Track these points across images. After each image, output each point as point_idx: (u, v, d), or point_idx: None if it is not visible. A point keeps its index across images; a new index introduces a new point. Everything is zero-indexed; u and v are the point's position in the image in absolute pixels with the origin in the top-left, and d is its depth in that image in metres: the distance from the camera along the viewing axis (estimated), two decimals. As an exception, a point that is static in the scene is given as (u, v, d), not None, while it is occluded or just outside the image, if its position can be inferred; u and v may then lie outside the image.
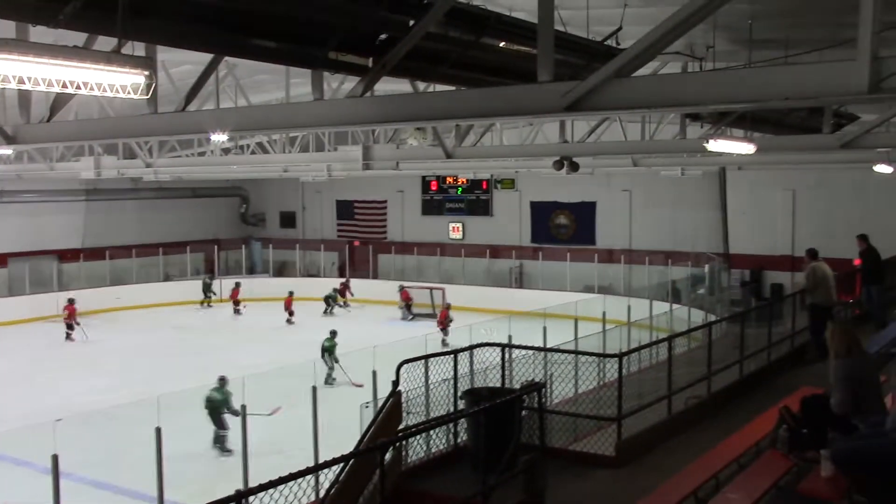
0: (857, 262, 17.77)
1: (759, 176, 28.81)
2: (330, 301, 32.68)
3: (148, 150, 23.13)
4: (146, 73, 5.62)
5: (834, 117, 14.77)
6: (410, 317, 31.98)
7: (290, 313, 30.87)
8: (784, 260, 29.47)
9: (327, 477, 7.33)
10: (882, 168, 20.29)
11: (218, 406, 14.98)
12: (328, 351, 20.90)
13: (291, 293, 31.69)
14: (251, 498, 5.40)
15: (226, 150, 24.31)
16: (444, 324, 26.05)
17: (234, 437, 11.76)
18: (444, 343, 22.07)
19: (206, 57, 8.32)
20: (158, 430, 10.44)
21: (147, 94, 5.74)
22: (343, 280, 35.03)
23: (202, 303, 34.63)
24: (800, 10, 10.72)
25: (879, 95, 4.64)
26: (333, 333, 21.39)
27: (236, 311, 33.06)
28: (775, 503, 6.76)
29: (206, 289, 34.76)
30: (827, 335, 7.02)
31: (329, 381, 19.94)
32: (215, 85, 14.27)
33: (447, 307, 27.66)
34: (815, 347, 13.41)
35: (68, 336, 27.45)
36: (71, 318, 27.66)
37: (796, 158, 20.75)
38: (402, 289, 32.94)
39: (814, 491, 6.18)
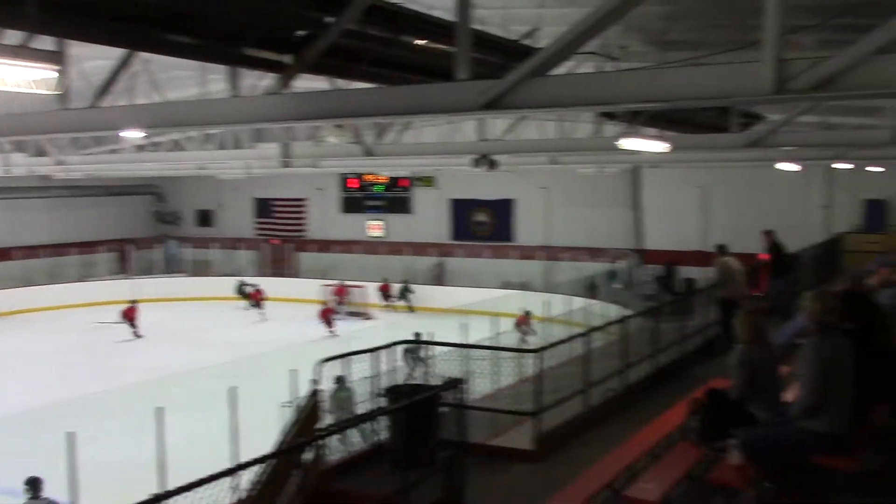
0: (763, 256, 18.40)
1: (672, 174, 29.54)
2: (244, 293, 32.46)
3: (59, 148, 22.41)
4: (56, 67, 5.47)
5: (742, 117, 15.26)
6: (344, 314, 31.79)
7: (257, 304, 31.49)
8: (696, 255, 30.31)
9: (247, 478, 7.26)
10: (786, 166, 21.07)
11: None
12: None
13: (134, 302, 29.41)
14: (169, 501, 5.31)
15: (140, 148, 23.71)
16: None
17: (150, 441, 11.47)
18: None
19: (120, 52, 8.11)
20: (72, 435, 10.17)
21: (57, 90, 5.59)
22: (256, 287, 33.48)
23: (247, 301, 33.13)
24: (710, 13, 11.04)
25: (784, 96, 4.81)
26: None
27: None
28: (687, 492, 6.97)
29: (241, 290, 33.80)
30: (736, 323, 7.25)
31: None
32: (129, 81, 13.91)
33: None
34: (725, 339, 13.83)
35: None
36: None
37: (706, 157, 21.33)
38: (336, 286, 32.75)
39: (723, 479, 6.38)
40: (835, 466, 6.05)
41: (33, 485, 10.46)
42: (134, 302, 28.85)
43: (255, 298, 32.26)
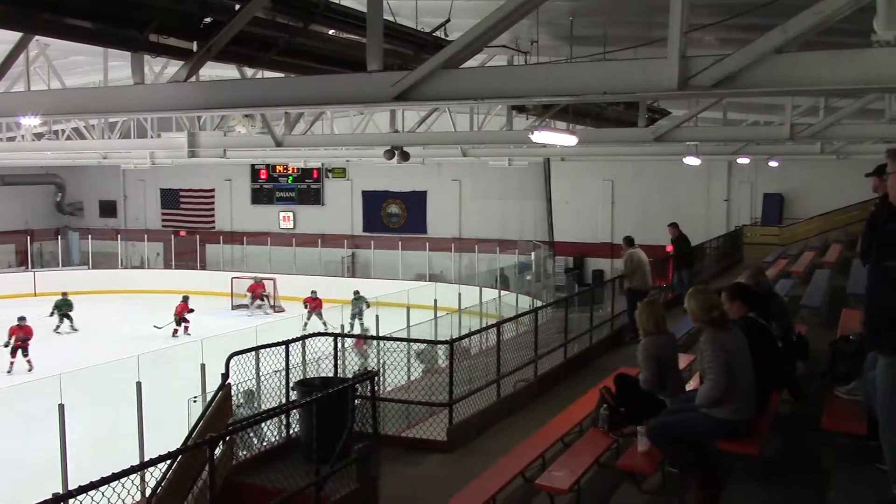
0: (669, 248, 18.91)
1: (581, 167, 30.07)
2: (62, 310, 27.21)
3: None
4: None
5: (648, 112, 15.63)
6: (257, 308, 31.29)
7: (182, 320, 26.76)
8: (604, 247, 30.96)
9: (153, 475, 7.09)
10: (690, 160, 21.69)
11: None
12: None
13: (186, 298, 27.32)
14: (71, 501, 5.13)
15: (38, 136, 22.89)
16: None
17: (51, 438, 11.07)
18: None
19: (15, 35, 7.78)
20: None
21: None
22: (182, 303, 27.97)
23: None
24: (616, 9, 11.26)
25: (687, 92, 4.94)
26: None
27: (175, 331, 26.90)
28: (597, 479, 7.12)
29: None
30: (636, 314, 7.44)
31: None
32: (25, 65, 13.37)
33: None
34: (632, 329, 14.16)
35: None
36: None
37: (615, 150, 21.81)
38: (252, 283, 32.11)
39: (632, 465, 6.54)
40: (737, 451, 6.27)
41: None
42: (186, 298, 27.18)
43: (178, 314, 27.13)
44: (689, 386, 7.44)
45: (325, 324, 21.36)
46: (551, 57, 12.38)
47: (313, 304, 26.38)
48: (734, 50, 4.74)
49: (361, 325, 24.71)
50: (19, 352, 21.73)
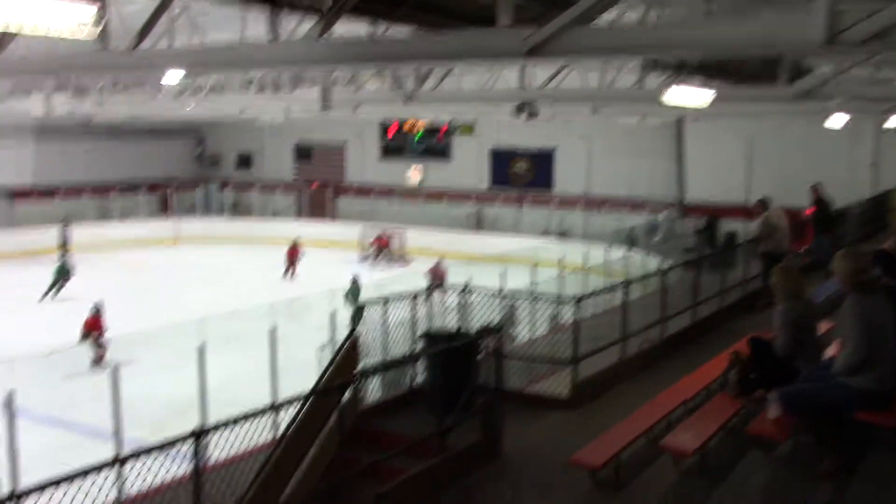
0: (809, 211, 18.11)
1: (717, 125, 29.01)
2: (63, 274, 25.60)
3: (99, 90, 22.58)
4: (95, 6, 5.47)
5: (791, 68, 14.89)
6: (384, 261, 32.01)
7: (292, 264, 28.61)
8: (739, 209, 29.90)
9: (285, 417, 7.40)
10: (834, 120, 20.61)
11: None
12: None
13: (297, 242, 28.95)
14: (209, 436, 5.44)
15: (180, 91, 23.80)
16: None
17: (190, 378, 11.70)
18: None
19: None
20: (116, 368, 10.45)
21: (96, 30, 5.59)
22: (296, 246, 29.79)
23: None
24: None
25: (836, 48, 4.68)
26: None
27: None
28: (724, 443, 6.98)
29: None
30: (772, 279, 7.18)
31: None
32: (169, 23, 13.92)
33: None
34: (766, 294, 13.70)
35: None
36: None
37: (752, 109, 20.92)
38: (379, 236, 32.86)
39: (761, 431, 6.37)
40: (875, 422, 6.01)
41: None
42: (297, 243, 29.16)
43: (291, 256, 29.09)
44: (828, 354, 7.16)
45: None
46: (687, 10, 11.92)
47: (437, 273, 25.88)
48: (886, 3, 4.44)
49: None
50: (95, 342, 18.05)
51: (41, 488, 4.48)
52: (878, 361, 5.73)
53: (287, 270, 28.72)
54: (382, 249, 32.66)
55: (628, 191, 32.06)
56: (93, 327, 18.63)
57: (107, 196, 36.60)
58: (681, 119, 29.42)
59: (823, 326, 8.42)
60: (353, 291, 21.88)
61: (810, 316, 7.11)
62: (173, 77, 15.58)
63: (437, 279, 25.40)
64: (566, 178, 34.14)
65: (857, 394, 5.78)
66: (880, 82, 16.99)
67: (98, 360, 17.52)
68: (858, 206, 22.15)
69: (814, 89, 13.04)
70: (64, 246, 30.37)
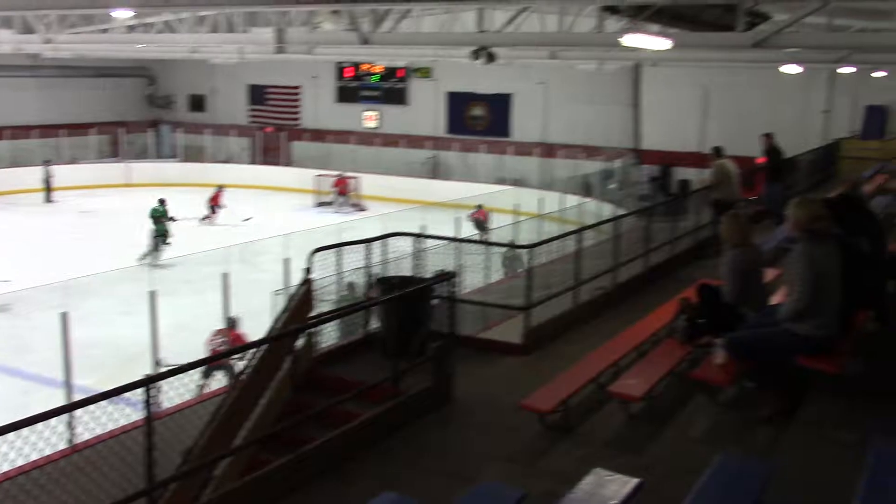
0: (760, 160, 18.29)
1: (673, 73, 29.10)
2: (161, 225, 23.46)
3: (47, 26, 21.87)
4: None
5: (747, 16, 14.90)
6: (341, 205, 31.91)
7: (213, 210, 28.38)
8: (692, 156, 30.15)
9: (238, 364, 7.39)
10: (789, 68, 20.77)
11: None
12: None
13: (221, 188, 28.99)
14: (161, 382, 5.40)
15: (131, 28, 23.15)
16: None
17: (141, 323, 11.57)
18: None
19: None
20: (64, 315, 10.28)
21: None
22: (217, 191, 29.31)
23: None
24: None
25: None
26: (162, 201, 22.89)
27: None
28: (671, 388, 7.12)
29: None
30: (721, 227, 7.28)
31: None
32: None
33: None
34: (715, 242, 13.88)
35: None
36: None
37: (709, 56, 20.99)
38: (336, 178, 32.62)
39: (707, 376, 6.51)
40: (818, 368, 6.17)
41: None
42: (220, 187, 28.96)
43: (213, 203, 28.66)
44: (773, 301, 7.30)
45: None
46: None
47: (481, 216, 24.74)
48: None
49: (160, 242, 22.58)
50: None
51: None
52: (823, 308, 5.86)
53: (205, 217, 28.01)
54: (342, 193, 32.50)
55: (585, 137, 32.12)
56: None
57: (55, 136, 35.65)
58: (638, 66, 29.44)
59: (770, 274, 8.58)
60: (155, 213, 22.65)
61: (758, 263, 7.23)
62: (122, 14, 15.17)
63: (483, 222, 24.68)
64: (523, 124, 34.10)
65: (801, 340, 5.91)
66: (835, 29, 17.11)
67: None
68: (809, 154, 22.47)
69: (770, 37, 13.06)
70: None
